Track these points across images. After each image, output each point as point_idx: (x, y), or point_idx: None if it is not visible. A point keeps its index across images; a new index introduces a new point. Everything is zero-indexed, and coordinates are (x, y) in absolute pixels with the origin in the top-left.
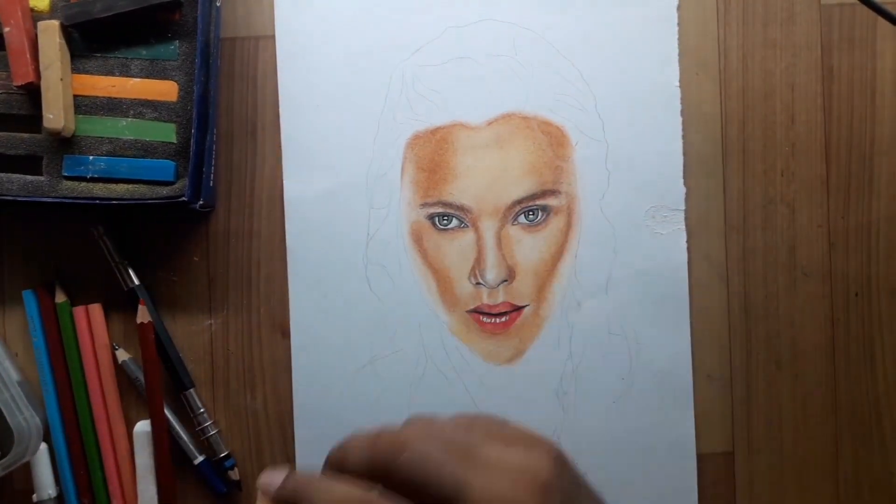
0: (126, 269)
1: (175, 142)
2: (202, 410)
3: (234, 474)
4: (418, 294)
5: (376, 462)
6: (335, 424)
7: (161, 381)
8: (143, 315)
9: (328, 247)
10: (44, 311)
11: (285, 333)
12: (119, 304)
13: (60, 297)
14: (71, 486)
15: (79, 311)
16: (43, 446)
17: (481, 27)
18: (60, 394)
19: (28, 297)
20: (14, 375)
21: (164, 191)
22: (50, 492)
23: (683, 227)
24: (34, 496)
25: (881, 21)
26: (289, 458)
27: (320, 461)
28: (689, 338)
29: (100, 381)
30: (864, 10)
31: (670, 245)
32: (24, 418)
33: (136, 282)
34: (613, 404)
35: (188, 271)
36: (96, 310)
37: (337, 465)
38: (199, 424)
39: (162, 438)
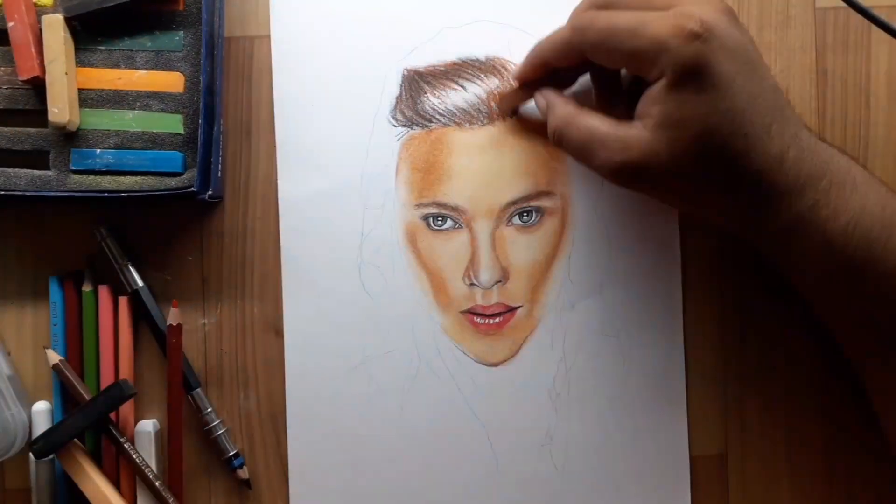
0: (129, 270)
1: (182, 133)
2: (209, 410)
3: (244, 473)
4: (412, 294)
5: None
6: (328, 424)
7: (181, 383)
8: (174, 317)
9: (322, 246)
10: (67, 299)
11: (279, 333)
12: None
13: (87, 287)
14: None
15: (105, 296)
16: (45, 405)
17: (476, 28)
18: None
19: (53, 283)
20: (5, 370)
21: (173, 182)
22: None
23: (678, 228)
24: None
25: None
26: (282, 457)
27: (313, 461)
28: (683, 339)
29: (115, 371)
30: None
31: (664, 246)
32: (12, 414)
33: (140, 283)
34: (606, 405)
35: (182, 270)
36: (125, 301)
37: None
38: (207, 424)
39: (178, 438)
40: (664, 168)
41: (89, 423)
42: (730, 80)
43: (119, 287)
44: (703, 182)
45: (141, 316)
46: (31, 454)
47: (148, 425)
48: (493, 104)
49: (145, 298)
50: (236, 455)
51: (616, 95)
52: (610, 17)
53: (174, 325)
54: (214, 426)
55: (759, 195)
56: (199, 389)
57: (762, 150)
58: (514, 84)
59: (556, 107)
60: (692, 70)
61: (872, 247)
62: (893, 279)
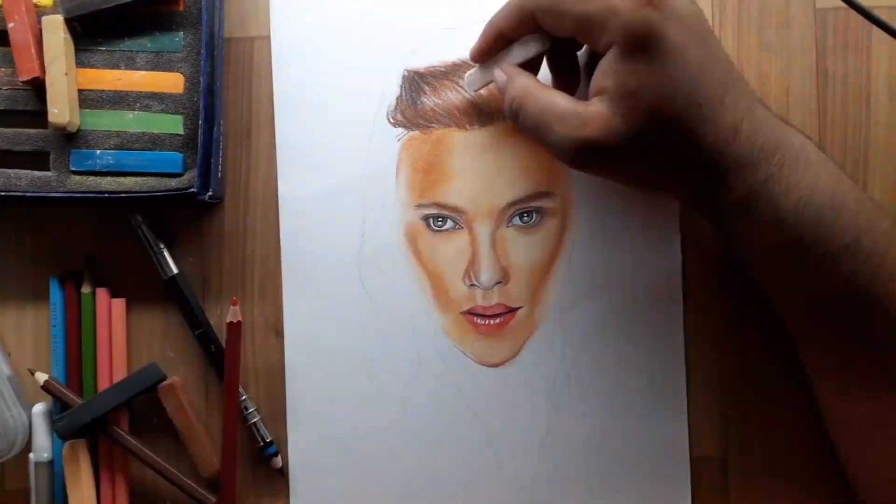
0: (164, 257)
1: (182, 133)
2: (245, 397)
3: (278, 462)
4: (412, 295)
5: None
6: (328, 424)
7: (237, 384)
8: (234, 314)
9: (322, 247)
10: (68, 300)
11: (279, 333)
12: (146, 295)
13: (87, 288)
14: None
15: (102, 299)
16: (45, 406)
17: (476, 29)
18: (70, 384)
19: (54, 284)
20: (5, 371)
21: (173, 183)
22: (46, 455)
23: (678, 228)
24: (31, 455)
25: None
26: (282, 458)
27: (313, 462)
28: (683, 340)
29: (111, 372)
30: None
31: (665, 247)
32: (12, 415)
33: (175, 270)
34: (607, 406)
35: (182, 272)
36: (119, 304)
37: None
38: (243, 412)
39: (232, 438)
40: (621, 143)
41: (118, 403)
42: (681, 48)
43: (121, 288)
44: (660, 156)
45: (177, 302)
46: (30, 455)
47: None
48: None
49: (181, 285)
50: (270, 443)
51: (573, 78)
52: None
53: (234, 322)
54: (251, 413)
55: (713, 168)
56: None
57: (716, 121)
58: (474, 63)
59: (514, 78)
60: (643, 37)
61: (821, 225)
62: (837, 258)
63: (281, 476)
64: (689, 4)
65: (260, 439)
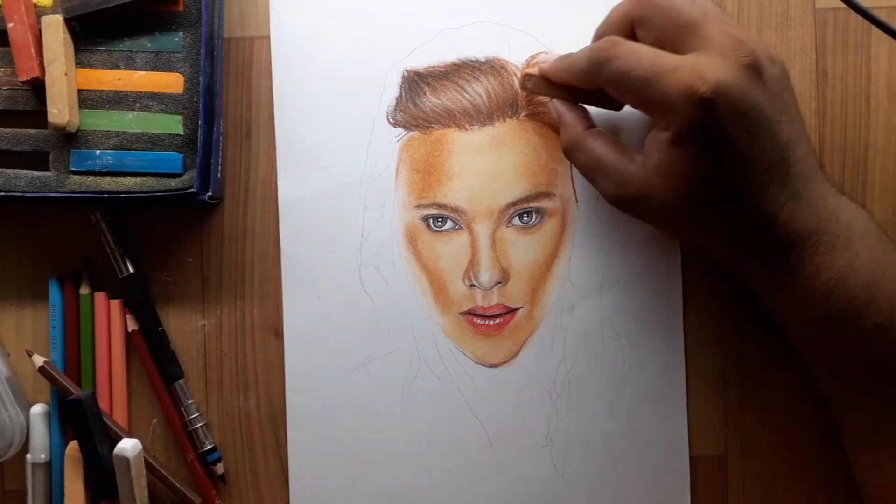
0: (122, 256)
1: (182, 133)
2: (191, 402)
3: (219, 468)
4: (412, 296)
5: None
6: (328, 425)
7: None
8: (131, 323)
9: (322, 248)
10: (67, 301)
11: (278, 334)
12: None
13: (85, 289)
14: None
15: (101, 300)
16: (43, 407)
17: (476, 29)
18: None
19: (53, 285)
20: (4, 372)
21: (173, 183)
22: (42, 456)
23: None
24: (28, 456)
25: None
26: (281, 458)
27: (313, 462)
28: (683, 340)
29: (109, 374)
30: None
31: (665, 247)
32: (10, 416)
33: (131, 269)
34: (607, 407)
35: (182, 272)
36: (118, 306)
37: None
38: (186, 416)
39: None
40: (655, 208)
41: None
42: (731, 145)
43: (116, 281)
44: (692, 227)
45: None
46: (27, 456)
47: (126, 447)
48: (519, 77)
49: (131, 285)
50: (213, 450)
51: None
52: (627, 59)
53: (134, 330)
54: (193, 418)
55: (745, 247)
56: (181, 381)
57: (753, 210)
58: (538, 72)
59: (566, 126)
60: (694, 134)
61: (853, 304)
62: (869, 337)
63: (224, 484)
64: (756, 95)
65: (201, 445)
